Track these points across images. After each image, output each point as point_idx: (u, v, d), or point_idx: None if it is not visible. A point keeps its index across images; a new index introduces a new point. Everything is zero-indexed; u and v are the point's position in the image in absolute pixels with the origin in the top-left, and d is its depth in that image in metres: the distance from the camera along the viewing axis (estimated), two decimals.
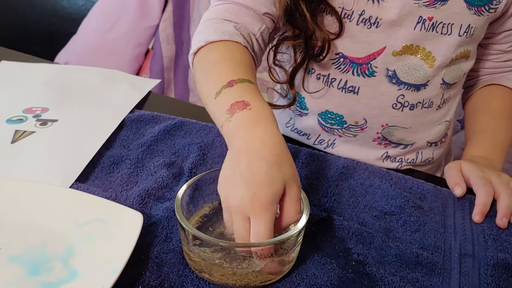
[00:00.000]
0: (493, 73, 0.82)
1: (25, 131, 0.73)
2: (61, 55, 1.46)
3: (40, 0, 1.60)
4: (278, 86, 0.79)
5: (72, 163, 0.67)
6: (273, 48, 0.73)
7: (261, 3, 0.66)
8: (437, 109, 0.76)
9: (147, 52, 1.43)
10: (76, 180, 0.65)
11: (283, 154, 0.50)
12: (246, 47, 0.63)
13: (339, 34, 0.69)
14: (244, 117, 0.52)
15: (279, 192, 0.48)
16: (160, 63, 1.38)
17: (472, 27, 0.69)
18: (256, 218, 0.47)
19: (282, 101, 0.82)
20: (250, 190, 0.47)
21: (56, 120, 0.76)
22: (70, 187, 0.63)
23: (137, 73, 1.43)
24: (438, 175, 0.86)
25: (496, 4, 0.69)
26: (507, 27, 0.75)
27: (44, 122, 0.75)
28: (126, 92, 0.87)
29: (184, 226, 0.49)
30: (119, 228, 0.55)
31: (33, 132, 0.73)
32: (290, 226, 0.51)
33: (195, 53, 0.65)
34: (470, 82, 0.84)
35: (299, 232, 0.51)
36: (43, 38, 1.61)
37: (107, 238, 0.55)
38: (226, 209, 0.50)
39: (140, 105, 0.85)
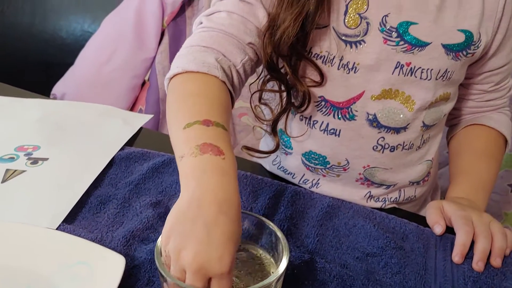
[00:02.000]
0: (476, 112, 0.83)
1: (15, 170, 0.75)
2: (58, 86, 1.49)
3: (39, 30, 1.63)
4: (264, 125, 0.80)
5: (60, 203, 0.69)
6: (259, 90, 0.75)
7: (245, 33, 0.67)
8: (417, 150, 0.77)
9: (144, 83, 1.45)
10: (63, 221, 0.66)
11: (240, 212, 0.50)
12: (224, 81, 0.63)
13: (321, 83, 0.70)
14: (215, 163, 0.51)
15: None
16: (156, 94, 1.40)
17: (449, 71, 0.71)
18: (221, 278, 0.47)
19: (268, 140, 0.83)
20: (218, 250, 0.46)
21: (46, 159, 0.77)
22: (57, 228, 0.64)
23: (133, 104, 1.44)
24: (423, 211, 0.86)
25: (474, 49, 0.71)
26: (487, 69, 0.77)
27: (35, 161, 0.77)
28: (118, 128, 0.88)
29: (163, 274, 0.50)
30: (102, 271, 0.56)
31: (23, 171, 0.74)
32: None
33: (171, 78, 0.64)
34: (454, 121, 0.86)
35: (278, 278, 0.52)
36: (42, 68, 1.64)
37: (90, 282, 0.56)
38: (178, 265, 0.48)
39: (131, 141, 0.86)
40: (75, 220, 0.67)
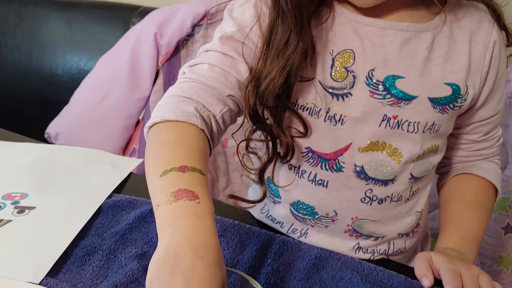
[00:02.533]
0: (465, 161, 0.83)
1: (1, 220, 0.74)
2: (52, 126, 1.49)
3: (36, 68, 1.64)
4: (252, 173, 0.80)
5: (45, 255, 0.68)
6: (245, 139, 0.75)
7: (225, 85, 0.68)
8: (406, 202, 0.77)
9: (138, 122, 1.46)
10: (47, 274, 0.65)
11: (220, 255, 0.51)
12: (203, 130, 0.64)
13: (305, 135, 0.70)
14: (190, 208, 0.52)
15: None
16: None
17: (436, 124, 0.71)
18: None
19: (256, 188, 0.83)
20: None
21: (33, 208, 0.77)
22: (40, 282, 0.64)
23: (127, 144, 1.45)
24: (413, 262, 0.85)
25: (461, 102, 0.71)
26: (476, 119, 0.77)
27: (21, 210, 0.76)
28: (107, 174, 0.88)
29: None
30: None
31: (9, 221, 0.74)
32: None
33: (151, 126, 0.65)
34: (444, 169, 0.85)
35: None
36: (39, 105, 1.65)
37: None
38: None
39: (120, 187, 0.86)
40: (59, 272, 0.67)
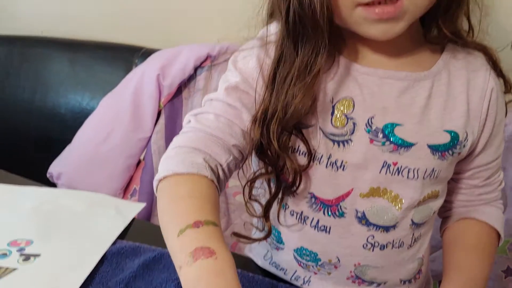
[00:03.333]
0: (468, 205, 0.83)
1: (7, 268, 0.75)
2: (54, 165, 1.50)
3: (39, 107, 1.66)
4: (255, 220, 0.81)
5: None
6: (249, 184, 0.76)
7: (230, 135, 0.69)
8: (408, 248, 0.77)
9: (139, 162, 1.46)
10: None
11: None
12: (213, 180, 0.65)
13: (307, 166, 0.71)
14: (208, 266, 0.53)
15: None
16: (150, 174, 1.41)
17: (436, 170, 0.72)
18: None
19: (259, 235, 0.83)
20: None
21: (38, 255, 0.78)
22: None
23: (128, 184, 1.45)
24: None
25: (460, 149, 0.72)
26: (476, 165, 0.78)
27: (27, 258, 0.77)
28: (111, 219, 0.89)
29: None
30: None
31: (15, 269, 0.74)
32: None
33: (161, 180, 0.66)
34: (446, 214, 0.85)
35: None
36: (41, 144, 1.66)
37: None
38: None
39: (123, 232, 0.86)
40: None
